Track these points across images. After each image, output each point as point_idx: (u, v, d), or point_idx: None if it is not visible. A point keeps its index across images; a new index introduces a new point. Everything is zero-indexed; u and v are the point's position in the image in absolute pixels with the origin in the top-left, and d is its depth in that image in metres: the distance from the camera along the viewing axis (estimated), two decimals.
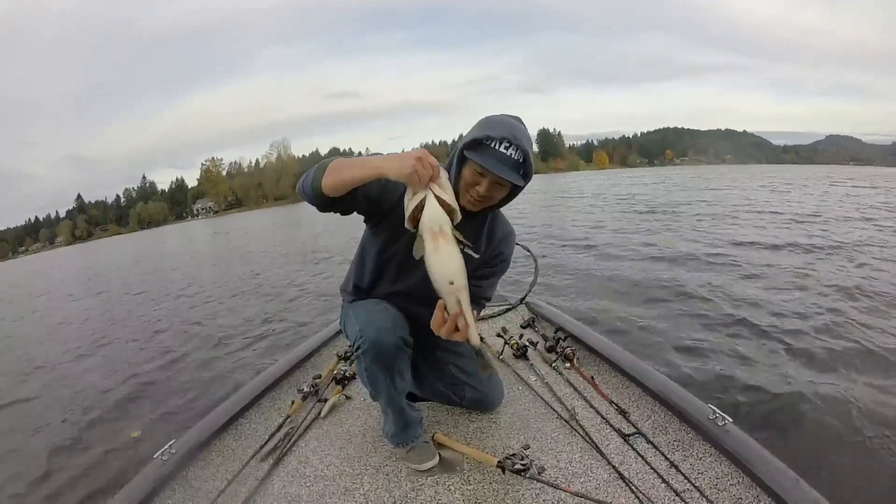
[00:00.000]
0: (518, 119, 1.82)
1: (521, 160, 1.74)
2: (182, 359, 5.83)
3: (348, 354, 3.02)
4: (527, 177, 1.79)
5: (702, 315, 5.18)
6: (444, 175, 1.60)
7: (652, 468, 1.90)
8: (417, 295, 1.94)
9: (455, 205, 1.58)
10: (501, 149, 1.72)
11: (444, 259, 1.56)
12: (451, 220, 1.56)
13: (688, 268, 7.50)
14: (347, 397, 2.72)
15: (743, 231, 10.93)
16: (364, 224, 2.09)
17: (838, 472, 2.70)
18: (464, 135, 1.85)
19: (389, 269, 2.08)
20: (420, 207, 1.54)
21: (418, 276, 1.73)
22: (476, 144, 1.75)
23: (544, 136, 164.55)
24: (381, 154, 1.72)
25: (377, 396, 2.06)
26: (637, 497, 1.77)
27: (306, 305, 7.78)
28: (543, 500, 1.82)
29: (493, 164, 1.71)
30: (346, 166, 1.67)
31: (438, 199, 1.54)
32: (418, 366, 2.30)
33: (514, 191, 1.87)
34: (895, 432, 2.97)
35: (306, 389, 2.69)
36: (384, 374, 1.96)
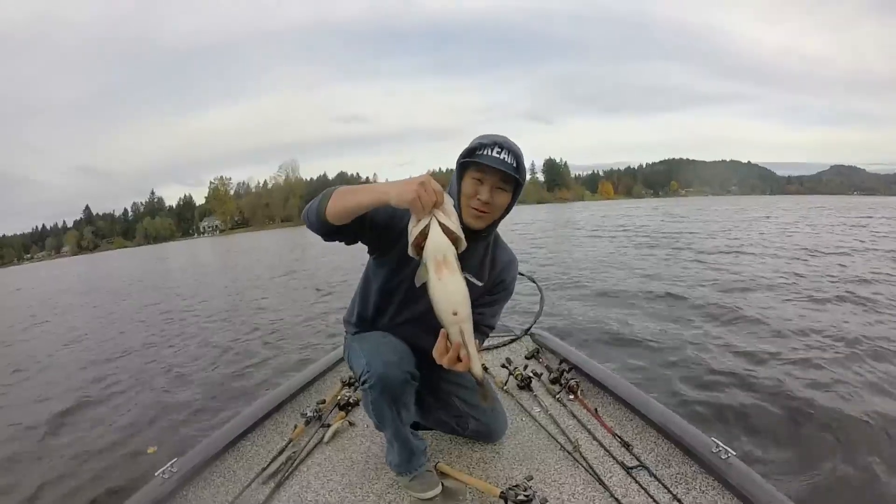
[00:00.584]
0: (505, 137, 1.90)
1: (514, 163, 1.81)
2: (185, 377, 5.82)
3: (352, 381, 3.04)
4: (521, 178, 1.85)
5: (705, 350, 5.18)
6: (448, 201, 1.57)
7: (655, 501, 1.89)
8: (423, 325, 1.95)
9: (460, 232, 1.55)
10: (494, 153, 1.79)
11: (447, 289, 1.54)
12: (457, 247, 1.55)
13: (693, 304, 7.48)
14: (351, 423, 2.72)
15: (747, 266, 10.97)
16: (368, 255, 2.11)
17: None
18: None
19: (394, 299, 2.10)
20: (424, 235, 1.52)
21: (424, 305, 1.73)
22: (470, 154, 1.83)
23: (550, 165, 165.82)
24: (387, 181, 1.75)
25: (383, 428, 2.06)
26: None
27: (311, 330, 7.74)
28: None
29: (491, 161, 1.78)
30: (350, 193, 1.68)
31: (443, 226, 1.52)
32: (423, 396, 2.30)
33: (514, 197, 1.92)
34: None
35: (310, 414, 2.69)
36: (391, 407, 1.96)
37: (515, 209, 1.92)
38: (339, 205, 1.69)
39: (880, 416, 3.53)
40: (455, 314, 1.58)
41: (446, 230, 1.52)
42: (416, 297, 1.95)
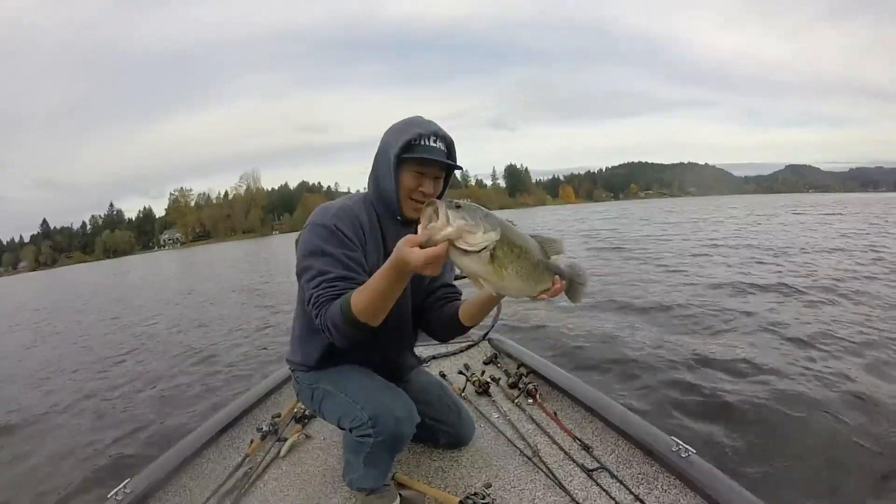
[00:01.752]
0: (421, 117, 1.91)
1: (447, 149, 1.86)
2: (139, 392, 5.73)
3: None
4: (455, 161, 1.89)
5: (664, 348, 5.29)
6: (455, 217, 1.33)
7: (616, 503, 1.89)
8: (390, 338, 1.90)
9: (482, 237, 1.33)
10: (432, 143, 1.82)
11: (504, 290, 1.48)
12: (491, 249, 1.35)
13: (650, 304, 7.65)
14: (307, 436, 2.67)
15: (701, 267, 11.32)
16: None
17: (802, 497, 2.74)
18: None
19: None
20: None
21: (391, 322, 1.69)
22: (409, 147, 1.80)
23: (511, 171, 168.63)
24: (382, 265, 1.53)
25: (370, 470, 1.95)
26: None
27: (267, 342, 7.65)
28: None
29: (434, 154, 1.83)
30: (382, 298, 1.55)
31: (462, 251, 1.34)
32: None
33: (446, 182, 1.95)
34: (855, 455, 3.09)
35: (265, 428, 2.64)
36: (391, 457, 1.96)
37: None
38: (382, 311, 1.60)
39: (835, 412, 3.63)
40: (529, 297, 1.53)
41: (471, 254, 1.35)
42: None
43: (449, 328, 2.05)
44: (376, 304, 1.56)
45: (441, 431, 2.35)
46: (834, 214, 28.35)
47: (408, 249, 1.38)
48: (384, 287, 1.53)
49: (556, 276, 1.53)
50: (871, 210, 31.95)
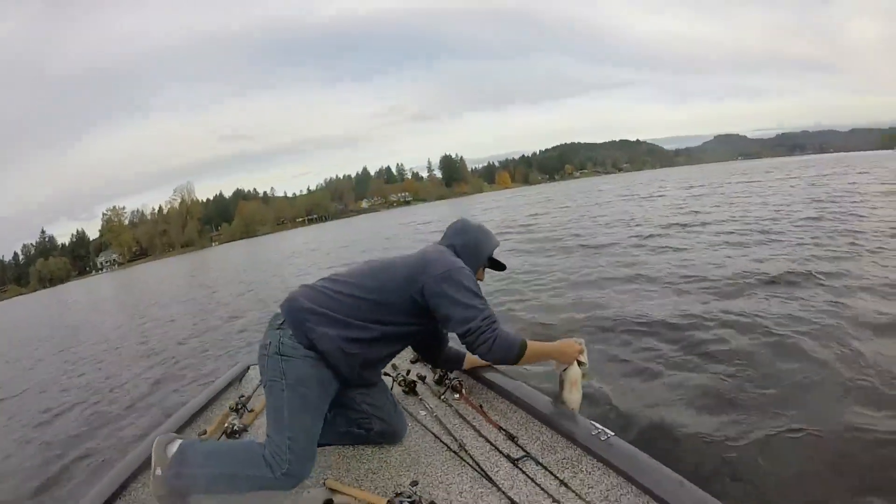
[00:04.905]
0: (467, 222, 2.61)
1: None
2: (63, 424, 5.64)
3: (239, 407, 2.92)
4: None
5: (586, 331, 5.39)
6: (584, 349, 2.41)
7: (542, 489, 1.94)
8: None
9: (585, 356, 2.40)
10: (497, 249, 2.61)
11: (572, 399, 2.35)
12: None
13: (578, 283, 7.84)
14: None
15: (618, 233, 11.60)
16: (416, 317, 2.37)
17: (718, 468, 2.86)
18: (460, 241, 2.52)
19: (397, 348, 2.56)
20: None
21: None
22: (489, 254, 2.57)
23: (447, 162, 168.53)
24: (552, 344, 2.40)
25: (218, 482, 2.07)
26: None
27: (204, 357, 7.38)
28: None
29: (503, 265, 2.77)
30: (539, 359, 2.38)
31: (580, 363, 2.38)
32: (329, 409, 2.27)
33: None
34: (768, 426, 3.18)
35: None
36: (247, 493, 2.09)
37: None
38: (534, 361, 2.34)
39: (755, 385, 3.74)
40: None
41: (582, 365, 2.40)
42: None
43: (450, 363, 2.90)
44: (536, 359, 2.35)
45: (376, 418, 2.42)
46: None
47: (574, 349, 2.36)
48: (547, 355, 2.37)
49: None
50: None
